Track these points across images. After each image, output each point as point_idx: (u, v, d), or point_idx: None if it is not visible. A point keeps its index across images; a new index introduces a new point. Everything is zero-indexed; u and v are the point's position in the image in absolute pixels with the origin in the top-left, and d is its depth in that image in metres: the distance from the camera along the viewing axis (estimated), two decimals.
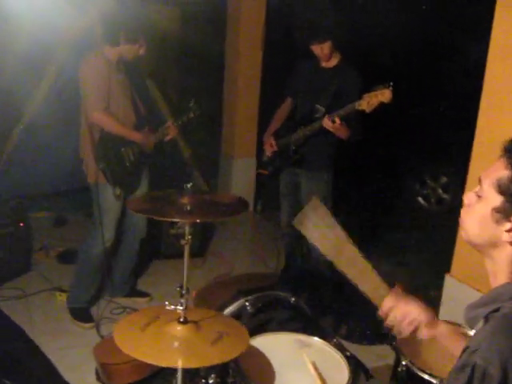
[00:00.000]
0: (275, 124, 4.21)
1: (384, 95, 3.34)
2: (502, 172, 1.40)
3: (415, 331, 1.80)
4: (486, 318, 1.40)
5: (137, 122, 3.84)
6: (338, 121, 3.56)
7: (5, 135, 5.48)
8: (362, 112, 3.46)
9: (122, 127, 3.71)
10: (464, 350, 1.38)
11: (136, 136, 3.77)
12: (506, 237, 1.40)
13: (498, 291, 1.44)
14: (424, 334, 1.79)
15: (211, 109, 7.11)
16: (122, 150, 3.73)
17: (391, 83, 3.35)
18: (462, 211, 1.53)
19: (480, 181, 1.48)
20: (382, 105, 3.37)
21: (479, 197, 1.46)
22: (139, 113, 3.89)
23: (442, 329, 1.81)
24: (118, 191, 3.74)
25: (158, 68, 6.64)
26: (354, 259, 2.05)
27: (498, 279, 1.45)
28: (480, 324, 1.43)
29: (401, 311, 1.81)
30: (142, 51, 3.71)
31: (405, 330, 1.80)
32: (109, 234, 3.79)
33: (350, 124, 3.68)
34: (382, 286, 1.95)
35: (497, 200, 1.40)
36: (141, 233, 4.09)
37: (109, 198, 3.73)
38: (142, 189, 3.98)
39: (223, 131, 6.75)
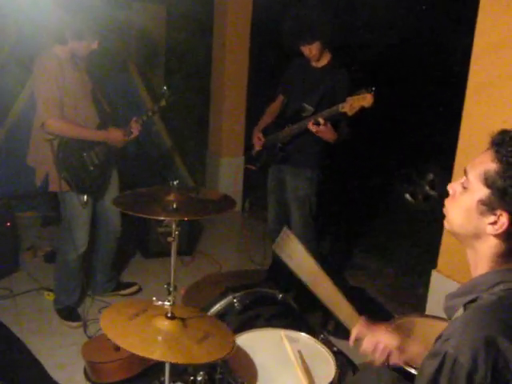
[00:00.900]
0: (266, 119, 4.21)
1: (365, 100, 3.37)
2: (488, 164, 1.42)
3: (388, 358, 1.83)
4: (465, 308, 1.43)
5: (101, 121, 3.70)
6: (322, 121, 3.56)
7: None
8: (344, 114, 3.48)
9: (83, 129, 3.55)
10: (437, 338, 1.40)
11: (100, 135, 3.64)
12: (489, 229, 1.41)
13: (476, 281, 1.46)
14: (396, 359, 1.83)
15: (198, 107, 7.14)
16: (84, 155, 3.58)
17: (373, 88, 3.37)
18: (447, 201, 1.55)
19: (466, 172, 1.49)
20: (363, 109, 3.39)
21: (464, 188, 1.48)
22: (103, 111, 3.76)
23: (413, 350, 1.85)
24: (84, 199, 3.62)
25: (144, 65, 6.65)
26: (326, 288, 2.13)
27: (479, 270, 1.47)
28: (458, 313, 1.45)
29: (370, 341, 1.85)
30: (94, 46, 3.53)
31: (378, 359, 1.85)
32: (82, 239, 3.72)
33: (337, 125, 3.70)
34: (352, 314, 2.02)
35: (483, 192, 1.42)
36: (115, 231, 4.04)
37: (76, 205, 3.63)
38: (112, 190, 3.89)
39: (210, 130, 6.74)
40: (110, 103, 3.93)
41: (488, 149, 1.46)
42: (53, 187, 3.59)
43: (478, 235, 1.46)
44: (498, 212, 1.40)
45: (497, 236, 1.42)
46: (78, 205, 3.63)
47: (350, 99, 3.43)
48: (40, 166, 3.63)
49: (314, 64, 3.91)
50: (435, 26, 6.48)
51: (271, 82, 4.31)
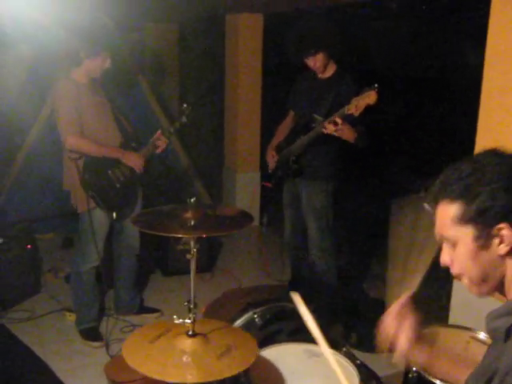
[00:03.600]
0: (278, 137, 4.24)
1: (370, 97, 3.39)
2: (449, 211, 1.40)
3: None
4: (509, 330, 1.35)
5: (124, 141, 3.80)
6: (339, 121, 3.53)
7: (9, 159, 5.53)
8: (351, 115, 3.48)
9: (100, 146, 3.64)
10: (484, 363, 1.36)
11: (118, 153, 3.72)
12: (502, 249, 1.36)
13: (505, 308, 1.40)
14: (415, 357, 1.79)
15: (213, 124, 7.18)
16: (109, 172, 3.69)
17: (376, 85, 3.39)
18: (452, 272, 1.48)
19: (441, 237, 1.47)
20: (368, 107, 3.41)
21: (453, 245, 1.43)
22: (125, 131, 3.85)
23: (436, 362, 1.83)
24: (114, 215, 3.72)
25: (159, 85, 6.70)
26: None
27: None
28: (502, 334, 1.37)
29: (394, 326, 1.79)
30: (107, 64, 3.64)
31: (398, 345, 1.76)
32: (95, 253, 3.75)
33: (355, 128, 3.68)
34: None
35: (468, 231, 1.38)
36: (134, 248, 4.09)
37: (100, 221, 3.73)
38: (135, 207, 3.95)
39: (225, 145, 6.77)
40: (131, 122, 4.00)
41: (435, 203, 1.45)
42: (81, 207, 3.69)
43: (498, 266, 1.40)
44: (494, 231, 1.35)
45: (511, 251, 1.37)
46: (101, 221, 3.73)
47: (354, 100, 3.45)
48: (71, 188, 3.72)
49: (320, 76, 3.94)
50: (447, 35, 6.46)
51: (285, 97, 4.33)
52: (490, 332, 1.45)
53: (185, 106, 3.96)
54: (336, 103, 3.70)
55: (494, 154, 1.41)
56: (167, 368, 1.88)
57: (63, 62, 3.70)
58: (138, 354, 1.98)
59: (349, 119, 3.56)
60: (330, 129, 3.58)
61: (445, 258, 1.48)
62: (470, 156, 1.45)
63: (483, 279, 1.43)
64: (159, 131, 3.92)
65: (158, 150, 3.90)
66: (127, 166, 3.77)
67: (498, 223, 1.34)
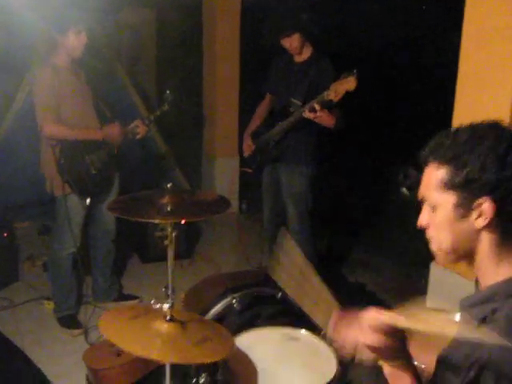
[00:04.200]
0: (255, 122, 4.23)
1: (349, 83, 3.40)
2: (437, 174, 1.40)
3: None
4: (484, 319, 1.35)
5: (101, 127, 3.79)
6: (318, 107, 3.54)
7: None
8: (331, 101, 3.49)
9: (77, 130, 3.63)
10: (458, 349, 1.36)
11: (98, 134, 3.71)
12: (479, 223, 1.37)
13: (492, 290, 1.39)
14: (368, 355, 1.76)
15: (191, 108, 7.13)
16: (86, 157, 3.68)
17: (355, 70, 3.40)
18: (427, 234, 1.49)
19: (423, 198, 1.47)
20: (348, 93, 3.41)
21: (433, 208, 1.44)
22: (104, 117, 3.84)
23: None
24: (87, 201, 3.71)
25: (135, 70, 6.64)
26: (313, 287, 2.00)
27: (490, 275, 1.41)
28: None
29: (343, 334, 1.77)
30: (83, 39, 3.57)
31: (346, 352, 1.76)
32: (73, 240, 3.74)
33: (330, 112, 3.69)
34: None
35: (450, 198, 1.39)
36: (111, 233, 4.08)
37: (75, 207, 3.71)
38: (111, 194, 3.94)
39: (204, 131, 6.74)
40: (110, 108, 3.98)
41: (425, 164, 1.45)
42: (57, 192, 3.67)
43: (471, 239, 1.40)
44: (476, 203, 1.36)
45: (488, 226, 1.37)
46: (76, 206, 3.71)
47: (333, 85, 3.45)
48: (47, 173, 3.71)
49: (296, 59, 3.93)
50: (424, 22, 6.48)
51: (263, 81, 4.31)
52: (464, 320, 1.43)
53: (167, 93, 3.94)
54: (313, 87, 3.70)
55: (495, 126, 1.41)
56: (142, 345, 1.87)
57: (39, 47, 3.66)
58: (114, 327, 1.97)
59: (327, 104, 3.57)
60: (308, 115, 3.60)
61: (422, 220, 1.49)
62: (470, 123, 1.44)
63: (453, 248, 1.43)
64: (139, 119, 3.93)
65: (138, 137, 3.90)
66: (104, 154, 3.76)
67: (481, 196, 1.35)
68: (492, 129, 1.39)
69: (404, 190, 7.26)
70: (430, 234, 1.48)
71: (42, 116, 3.55)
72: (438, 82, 5.44)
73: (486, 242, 1.39)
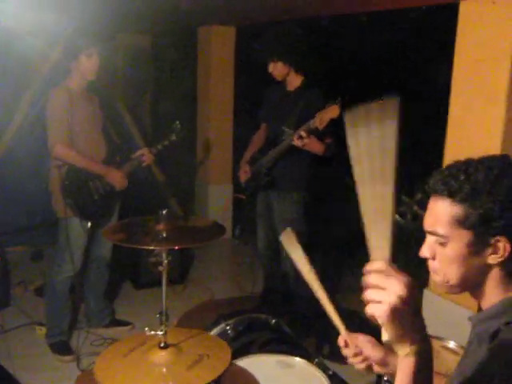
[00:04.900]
0: (251, 150, 4.28)
1: (333, 111, 3.51)
2: (450, 210, 1.37)
3: (368, 368, 1.77)
4: (496, 332, 1.35)
5: (108, 154, 3.84)
6: (304, 134, 3.62)
7: None
8: (316, 129, 3.59)
9: (86, 160, 3.68)
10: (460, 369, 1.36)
11: (101, 169, 3.76)
12: (492, 259, 1.36)
13: (504, 304, 1.39)
14: (377, 370, 1.77)
15: (186, 134, 7.16)
16: (90, 183, 3.72)
17: (339, 99, 3.52)
18: (431, 265, 1.47)
19: (431, 232, 1.43)
20: (333, 120, 3.53)
21: (442, 243, 1.40)
22: (113, 144, 3.89)
23: (394, 365, 1.82)
24: (88, 225, 3.74)
25: (130, 96, 6.67)
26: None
27: (492, 298, 1.41)
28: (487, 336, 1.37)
29: (354, 349, 1.77)
30: (95, 59, 3.61)
31: (358, 366, 1.74)
32: (71, 263, 3.74)
33: (322, 139, 3.77)
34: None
35: (465, 235, 1.36)
36: (106, 259, 4.10)
37: (77, 230, 3.72)
38: (112, 219, 3.97)
39: (197, 158, 6.76)
40: (120, 134, 4.05)
41: (435, 196, 1.42)
42: (60, 213, 3.71)
43: (481, 273, 1.40)
44: (492, 241, 1.35)
45: (500, 262, 1.37)
46: (78, 230, 3.73)
47: (319, 114, 3.56)
48: (53, 192, 3.76)
49: (288, 87, 4.00)
50: (416, 45, 6.56)
51: (257, 109, 4.35)
52: (476, 335, 1.44)
53: (176, 123, 4.01)
54: (304, 115, 3.75)
55: (509, 163, 1.38)
56: (140, 382, 1.87)
57: (42, 69, 3.71)
58: (110, 370, 1.96)
59: (315, 132, 3.66)
60: (297, 142, 3.67)
61: (426, 251, 1.45)
62: (478, 157, 1.41)
63: (461, 282, 1.41)
64: (145, 147, 4.02)
65: (143, 165, 3.98)
66: (109, 181, 3.80)
67: (497, 235, 1.34)
68: (506, 166, 1.37)
69: (396, 216, 7.31)
70: (436, 266, 1.45)
71: (54, 136, 3.59)
72: (429, 112, 5.50)
73: (495, 274, 1.39)
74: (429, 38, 5.77)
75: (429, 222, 1.44)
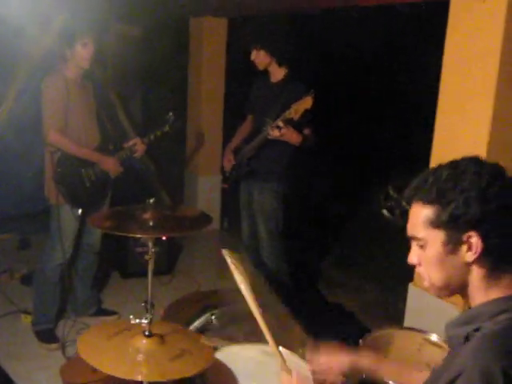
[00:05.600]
0: (236, 140, 4.32)
1: (306, 102, 3.61)
2: (422, 213, 1.43)
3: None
4: (466, 338, 1.38)
5: (102, 142, 3.85)
6: (281, 124, 3.67)
7: None
8: (292, 120, 3.66)
9: (79, 148, 3.71)
10: (438, 369, 1.39)
11: (95, 157, 3.78)
12: (469, 257, 1.39)
13: (479, 310, 1.42)
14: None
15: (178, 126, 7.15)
16: (82, 170, 3.74)
17: (312, 90, 3.63)
18: (418, 271, 1.52)
19: (412, 237, 1.49)
20: (307, 111, 3.63)
21: (422, 247, 1.46)
22: (106, 132, 3.90)
23: (387, 367, 1.88)
24: (78, 212, 3.74)
25: (121, 86, 6.64)
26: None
27: (477, 300, 1.44)
28: (460, 342, 1.41)
29: (323, 365, 1.81)
30: (90, 48, 3.61)
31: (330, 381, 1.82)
32: (62, 251, 3.76)
33: (300, 130, 3.83)
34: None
35: (438, 235, 1.41)
36: (95, 247, 4.10)
37: (68, 218, 3.73)
38: (103, 207, 3.98)
39: (187, 149, 6.75)
40: (114, 123, 4.05)
41: (410, 204, 1.48)
42: (51, 200, 3.72)
43: (462, 273, 1.43)
44: (463, 238, 1.38)
45: (477, 259, 1.40)
46: (69, 217, 3.74)
47: (293, 105, 3.63)
48: (46, 179, 3.78)
49: (272, 80, 4.04)
50: (404, 41, 6.58)
51: (246, 100, 4.37)
52: (449, 340, 1.48)
53: (170, 114, 4.01)
54: (286, 106, 3.78)
55: (475, 162, 1.43)
56: (119, 364, 1.88)
57: (35, 57, 3.69)
58: (93, 349, 1.97)
59: (292, 123, 3.71)
60: (274, 133, 3.71)
61: (413, 258, 1.51)
62: (450, 160, 1.46)
63: (445, 283, 1.46)
64: (137, 137, 4.00)
65: (135, 155, 3.98)
66: (101, 169, 3.81)
67: (468, 231, 1.37)
68: (472, 164, 1.41)
69: (385, 211, 7.33)
70: (422, 271, 1.50)
71: (49, 123, 3.60)
72: (418, 105, 5.53)
73: (476, 273, 1.42)
74: (418, 34, 5.80)
75: (409, 228, 1.50)
